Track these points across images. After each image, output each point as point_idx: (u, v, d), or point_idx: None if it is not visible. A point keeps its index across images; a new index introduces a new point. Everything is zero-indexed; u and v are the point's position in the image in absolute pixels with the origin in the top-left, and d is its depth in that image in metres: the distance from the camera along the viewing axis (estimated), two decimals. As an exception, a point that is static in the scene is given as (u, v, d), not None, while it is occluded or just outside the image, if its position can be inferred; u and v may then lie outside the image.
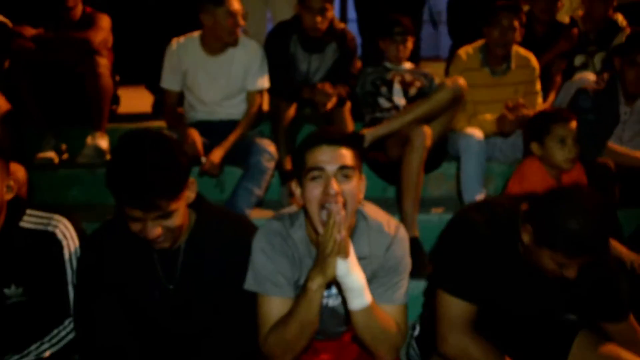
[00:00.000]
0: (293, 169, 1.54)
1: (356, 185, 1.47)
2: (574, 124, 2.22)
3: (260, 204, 2.61)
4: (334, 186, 1.41)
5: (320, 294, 1.42)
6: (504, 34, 2.77)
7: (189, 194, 1.52)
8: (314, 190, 1.43)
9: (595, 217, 1.42)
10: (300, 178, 1.48)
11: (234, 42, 2.67)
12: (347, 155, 1.45)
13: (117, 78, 3.26)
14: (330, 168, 1.43)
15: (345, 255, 1.39)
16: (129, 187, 1.38)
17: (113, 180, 1.42)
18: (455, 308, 1.60)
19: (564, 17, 3.46)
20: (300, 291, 1.45)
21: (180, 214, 1.47)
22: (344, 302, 1.49)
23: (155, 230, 1.44)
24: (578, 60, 3.39)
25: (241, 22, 2.64)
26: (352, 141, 1.49)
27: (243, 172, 2.57)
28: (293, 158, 1.54)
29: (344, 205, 1.43)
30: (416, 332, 1.86)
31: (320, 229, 1.42)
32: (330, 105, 2.70)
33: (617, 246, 2.26)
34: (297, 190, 1.51)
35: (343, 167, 1.44)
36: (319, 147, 1.44)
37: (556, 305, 1.67)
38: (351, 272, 1.41)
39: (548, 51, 3.28)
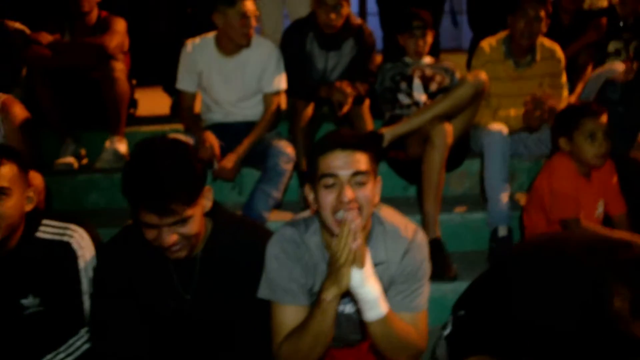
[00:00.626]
0: (307, 173, 1.50)
1: (371, 190, 1.42)
2: (604, 118, 2.13)
3: (279, 205, 2.58)
4: (348, 194, 1.37)
5: (334, 304, 1.38)
6: (530, 24, 2.68)
7: (205, 202, 1.50)
8: (327, 197, 1.39)
9: None
10: (313, 183, 1.44)
11: (247, 44, 2.64)
12: (361, 160, 1.40)
13: (134, 82, 3.26)
14: (344, 174, 1.39)
15: (361, 264, 1.34)
16: (145, 191, 1.37)
17: (129, 185, 1.40)
18: None
19: (602, 1, 3.33)
20: (315, 302, 1.41)
21: (196, 221, 1.45)
22: (359, 311, 1.44)
23: (171, 238, 1.42)
24: (612, 46, 3.26)
25: (253, 23, 2.59)
26: (367, 144, 1.44)
27: (261, 174, 2.54)
28: (307, 162, 1.49)
29: (359, 210, 1.38)
30: (447, 332, 1.78)
31: (337, 232, 1.37)
32: (346, 108, 2.64)
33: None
34: (310, 196, 1.47)
35: (357, 173, 1.39)
36: (332, 152, 1.40)
37: None
38: (365, 283, 1.36)
39: (575, 42, 3.16)
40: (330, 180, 1.39)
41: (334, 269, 1.35)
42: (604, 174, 2.26)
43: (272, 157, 2.50)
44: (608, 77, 2.73)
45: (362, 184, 1.40)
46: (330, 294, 1.36)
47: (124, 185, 1.41)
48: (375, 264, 1.46)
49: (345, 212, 1.35)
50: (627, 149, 2.44)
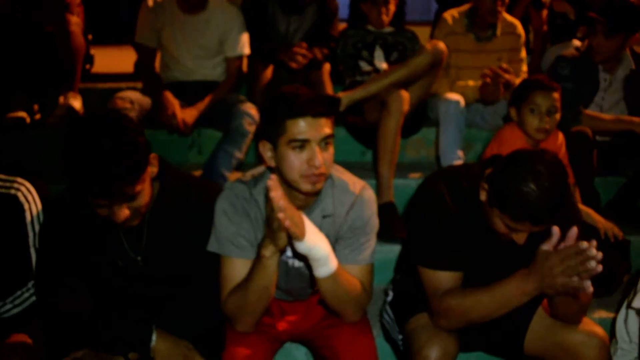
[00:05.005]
0: (265, 129, 1.49)
1: (333, 150, 1.48)
2: (554, 95, 2.13)
3: (240, 166, 2.58)
4: (320, 158, 1.41)
5: (274, 260, 1.42)
6: (496, 1, 2.71)
7: (152, 170, 1.49)
8: (296, 161, 1.42)
9: (549, 186, 1.36)
10: (275, 142, 1.45)
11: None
12: (327, 125, 1.44)
13: (90, 37, 3.18)
14: (315, 139, 1.42)
15: (299, 237, 1.36)
16: (92, 180, 1.35)
17: (74, 173, 1.37)
18: (437, 279, 1.55)
19: None
20: (255, 258, 1.45)
21: (145, 192, 1.46)
22: (309, 266, 1.48)
23: (123, 213, 1.42)
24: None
25: None
26: (332, 109, 1.47)
27: (223, 134, 2.53)
28: (267, 119, 1.49)
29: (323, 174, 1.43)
30: (389, 298, 1.84)
31: (305, 189, 1.44)
32: (295, 65, 2.64)
33: (592, 215, 2.27)
34: (267, 153, 1.48)
35: (326, 137, 1.44)
36: (304, 119, 1.41)
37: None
38: (313, 246, 1.40)
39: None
40: (300, 144, 1.42)
41: (269, 231, 1.38)
42: (553, 145, 2.30)
43: (236, 118, 2.49)
44: (560, 53, 2.79)
45: (327, 145, 1.45)
46: (268, 251, 1.40)
47: (67, 171, 1.38)
48: (323, 216, 1.53)
49: (269, 183, 1.32)
50: (575, 123, 2.51)
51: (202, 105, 2.57)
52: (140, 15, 2.68)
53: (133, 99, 2.45)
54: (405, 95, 2.37)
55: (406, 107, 2.37)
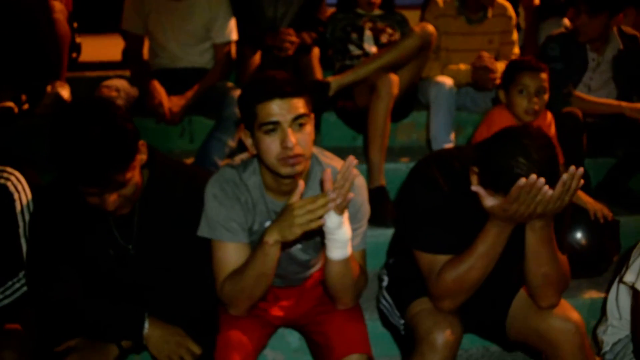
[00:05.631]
0: (242, 118, 1.49)
1: (311, 130, 1.45)
2: (542, 76, 2.13)
3: (233, 154, 2.57)
4: (292, 139, 1.39)
5: (276, 248, 1.41)
6: None
7: (141, 157, 1.49)
8: (271, 145, 1.41)
9: (538, 158, 1.35)
10: (251, 128, 1.45)
11: None
12: (299, 105, 1.41)
13: (75, 25, 3.14)
14: (285, 120, 1.40)
15: (341, 212, 1.38)
16: (83, 170, 1.35)
17: (62, 162, 1.37)
18: (436, 263, 1.54)
19: None
20: (258, 243, 1.45)
21: (135, 179, 1.46)
22: (324, 249, 1.48)
23: (112, 200, 1.43)
24: None
25: None
26: (303, 88, 1.44)
27: (215, 122, 2.51)
28: (241, 107, 1.48)
29: (302, 155, 1.41)
30: (385, 283, 1.84)
31: (284, 172, 1.41)
32: (283, 53, 2.63)
33: (582, 196, 2.28)
34: (247, 140, 1.48)
35: (298, 117, 1.41)
36: (272, 101, 1.39)
37: (513, 248, 1.65)
38: (342, 225, 1.40)
39: None
40: (272, 127, 1.40)
41: (287, 222, 1.37)
42: (542, 125, 2.31)
43: (229, 106, 2.47)
44: (549, 33, 2.79)
45: (302, 126, 1.42)
46: (272, 239, 1.39)
47: (55, 161, 1.37)
48: None
49: (332, 193, 1.34)
50: (564, 104, 2.51)
51: (190, 93, 2.55)
52: (126, 2, 2.65)
53: (119, 87, 2.43)
54: (394, 78, 2.36)
55: (396, 90, 2.36)
